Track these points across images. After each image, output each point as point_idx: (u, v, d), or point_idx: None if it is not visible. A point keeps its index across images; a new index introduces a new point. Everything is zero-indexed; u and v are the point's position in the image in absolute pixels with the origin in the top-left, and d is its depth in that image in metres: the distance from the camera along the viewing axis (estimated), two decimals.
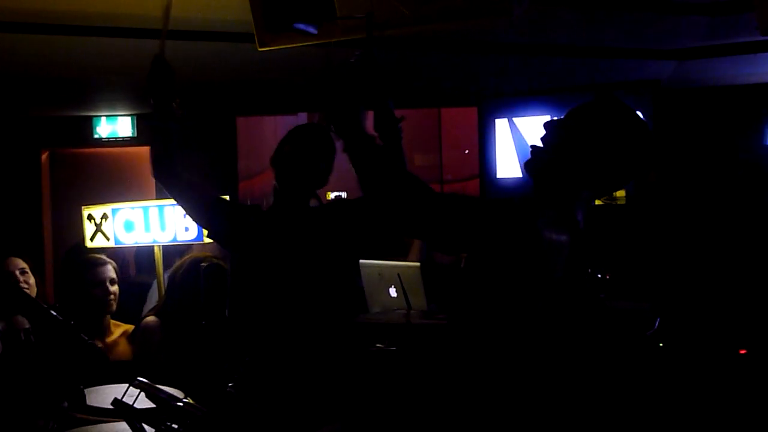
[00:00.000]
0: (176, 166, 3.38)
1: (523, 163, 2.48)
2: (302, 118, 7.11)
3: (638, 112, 2.46)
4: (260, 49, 3.98)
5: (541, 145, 2.43)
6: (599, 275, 4.93)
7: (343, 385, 3.40)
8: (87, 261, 4.50)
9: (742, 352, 3.92)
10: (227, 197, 3.85)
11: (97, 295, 4.38)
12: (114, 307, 4.44)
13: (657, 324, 3.98)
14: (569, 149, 2.37)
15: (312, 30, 3.16)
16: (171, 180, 3.41)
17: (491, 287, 2.34)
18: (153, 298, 5.22)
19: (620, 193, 5.77)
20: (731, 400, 3.80)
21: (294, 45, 3.91)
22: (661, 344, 3.89)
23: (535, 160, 2.43)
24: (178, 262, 4.44)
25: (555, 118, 2.45)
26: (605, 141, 2.36)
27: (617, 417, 3.52)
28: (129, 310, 4.92)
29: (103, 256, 4.55)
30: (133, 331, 4.45)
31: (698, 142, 6.35)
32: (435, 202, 2.38)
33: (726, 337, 3.92)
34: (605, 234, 5.86)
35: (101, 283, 4.40)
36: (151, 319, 4.33)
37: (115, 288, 4.44)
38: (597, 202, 5.72)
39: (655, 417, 3.77)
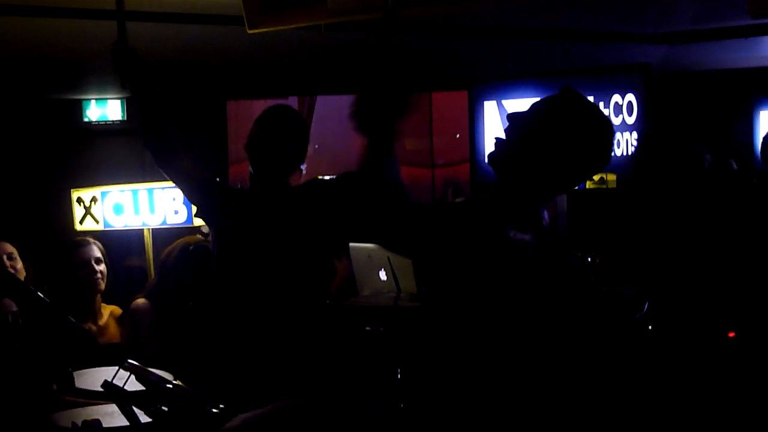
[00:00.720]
0: (177, 153, 3.42)
1: (487, 156, 2.48)
2: (293, 101, 7.09)
3: (600, 107, 2.48)
4: (250, 32, 3.97)
5: (504, 137, 2.44)
6: (589, 259, 4.95)
7: (325, 363, 3.42)
8: (70, 242, 4.48)
9: (731, 335, 3.93)
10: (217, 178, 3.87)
11: (83, 276, 4.35)
12: (102, 286, 4.40)
13: (646, 307, 4.00)
14: (532, 143, 2.38)
15: None
16: (172, 166, 3.44)
17: (460, 287, 2.36)
18: None
19: (611, 177, 5.78)
20: (720, 383, 3.82)
21: (283, 27, 3.91)
22: (650, 327, 3.91)
23: (498, 153, 2.44)
24: (169, 246, 4.42)
25: (518, 111, 2.46)
26: (567, 135, 2.37)
27: (603, 400, 3.54)
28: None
29: (88, 237, 4.52)
30: (122, 313, 4.44)
31: (688, 126, 6.36)
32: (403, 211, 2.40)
33: (715, 320, 3.93)
34: (595, 218, 5.89)
35: (86, 262, 4.36)
36: (141, 301, 4.31)
37: (102, 267, 4.40)
38: (588, 185, 5.78)
39: (643, 400, 3.79)
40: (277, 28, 3.92)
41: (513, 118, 2.46)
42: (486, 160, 2.49)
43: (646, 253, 4.24)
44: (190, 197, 3.65)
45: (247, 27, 3.95)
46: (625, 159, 5.66)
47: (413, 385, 2.53)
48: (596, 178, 5.78)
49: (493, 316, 2.33)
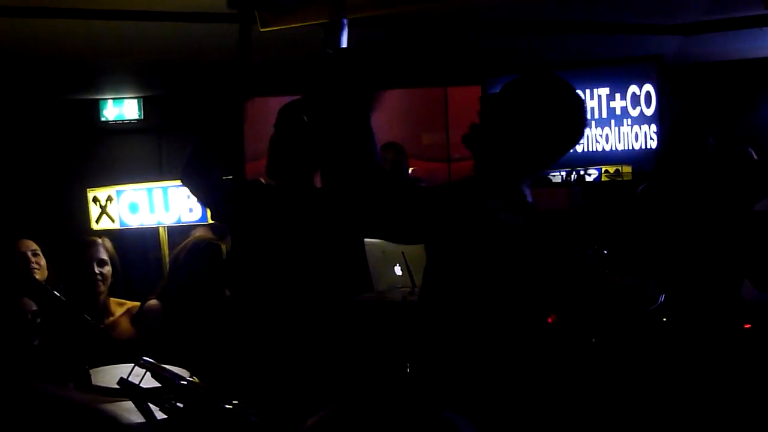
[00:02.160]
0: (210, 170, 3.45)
1: (461, 138, 2.52)
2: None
3: (569, 84, 2.50)
4: (262, 30, 4.00)
5: (478, 121, 2.47)
6: (605, 252, 4.94)
7: (344, 363, 3.43)
8: (79, 242, 4.49)
9: (747, 326, 3.92)
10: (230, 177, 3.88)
11: (82, 276, 4.37)
12: (101, 288, 4.39)
13: (661, 299, 3.99)
14: (504, 122, 2.42)
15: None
16: (200, 183, 3.47)
17: (455, 270, 2.38)
18: None
19: (626, 169, 5.76)
20: (736, 375, 3.81)
21: (295, 25, 3.93)
22: (664, 319, 3.90)
23: (473, 136, 2.47)
24: (180, 245, 4.44)
25: (489, 94, 2.49)
26: (538, 111, 2.41)
27: (612, 390, 3.55)
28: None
29: (97, 237, 4.52)
30: (137, 313, 4.44)
31: (703, 117, 6.34)
32: (395, 197, 2.41)
33: (731, 312, 3.92)
34: (610, 210, 5.87)
35: (87, 263, 4.37)
36: (152, 302, 4.32)
37: (105, 269, 4.40)
38: (603, 178, 5.77)
39: (657, 391, 3.79)
40: (289, 26, 3.94)
41: (485, 101, 2.50)
42: (463, 143, 2.52)
43: (661, 244, 4.23)
44: (207, 205, 3.63)
45: (259, 25, 3.98)
46: (644, 152, 5.65)
47: (420, 377, 2.55)
48: (611, 170, 5.76)
49: (487, 297, 2.36)
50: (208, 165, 3.47)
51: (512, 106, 2.44)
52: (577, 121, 2.49)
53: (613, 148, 5.87)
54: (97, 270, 4.35)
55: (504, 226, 2.33)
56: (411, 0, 3.03)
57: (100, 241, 4.47)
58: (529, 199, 2.44)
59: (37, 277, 4.20)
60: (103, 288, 4.38)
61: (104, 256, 4.42)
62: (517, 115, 2.42)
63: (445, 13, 5.00)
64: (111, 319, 4.33)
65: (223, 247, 4.19)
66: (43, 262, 4.37)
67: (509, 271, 2.35)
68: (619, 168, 5.77)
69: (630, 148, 5.78)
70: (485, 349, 2.37)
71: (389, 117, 7.03)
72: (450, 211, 2.37)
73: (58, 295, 2.97)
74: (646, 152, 5.63)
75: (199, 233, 4.80)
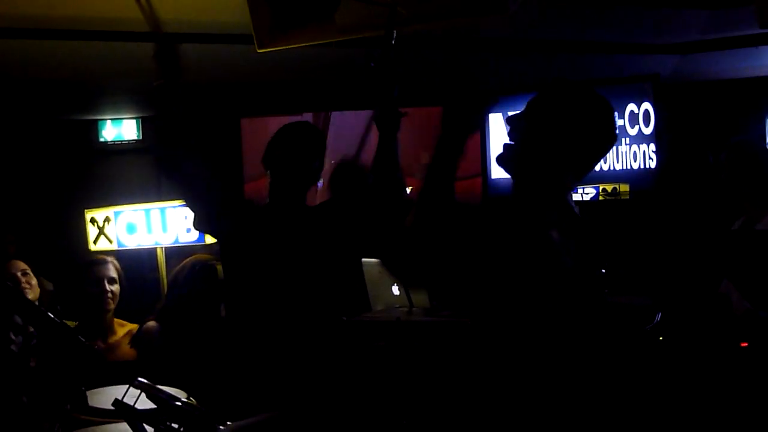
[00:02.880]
0: (181, 162, 3.45)
1: (495, 159, 2.51)
2: (307, 118, 7.11)
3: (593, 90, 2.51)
4: (259, 51, 4.01)
5: (510, 141, 2.46)
6: (603, 270, 4.93)
7: (340, 381, 3.43)
8: (88, 260, 4.51)
9: (744, 345, 3.91)
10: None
11: (93, 294, 4.37)
12: (111, 305, 4.42)
13: (658, 318, 3.99)
14: (538, 137, 2.41)
15: None
16: (177, 177, 3.47)
17: (512, 293, 2.36)
18: None
19: (623, 188, 5.77)
20: (732, 393, 3.80)
21: (292, 46, 3.94)
22: (661, 338, 3.90)
23: (508, 156, 2.46)
24: (178, 266, 4.45)
25: (515, 113, 2.49)
26: (569, 120, 2.40)
27: (618, 411, 3.53)
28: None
29: (105, 256, 4.54)
30: (135, 334, 4.45)
31: (700, 136, 6.34)
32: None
33: (727, 330, 3.92)
34: (608, 229, 5.87)
35: (98, 281, 4.39)
36: (151, 324, 4.32)
37: (114, 287, 4.42)
38: (600, 197, 5.77)
39: (655, 410, 3.78)
40: (286, 47, 3.95)
41: (512, 120, 2.50)
42: (496, 163, 2.51)
43: (659, 264, 4.23)
44: (194, 205, 3.59)
45: (256, 46, 3.99)
46: (643, 171, 5.65)
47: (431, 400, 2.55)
48: (609, 188, 5.77)
49: (548, 324, 2.33)
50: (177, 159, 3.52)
51: (546, 120, 2.42)
52: (609, 120, 2.50)
53: (611, 168, 5.88)
54: (108, 288, 4.38)
55: (557, 245, 2.31)
56: (401, 22, 3.04)
57: (109, 259, 4.50)
58: (576, 210, 2.43)
59: (30, 296, 4.22)
60: (112, 306, 4.42)
61: (114, 274, 4.46)
62: (554, 129, 2.40)
63: (443, 33, 5.01)
64: (114, 338, 4.35)
65: (219, 267, 4.19)
66: (33, 281, 4.40)
67: (564, 287, 2.33)
68: (617, 187, 5.78)
69: (628, 167, 5.79)
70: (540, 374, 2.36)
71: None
72: (503, 243, 2.35)
73: (52, 316, 2.97)
74: (644, 171, 5.64)
75: (197, 254, 4.80)
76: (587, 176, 2.51)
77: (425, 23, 3.25)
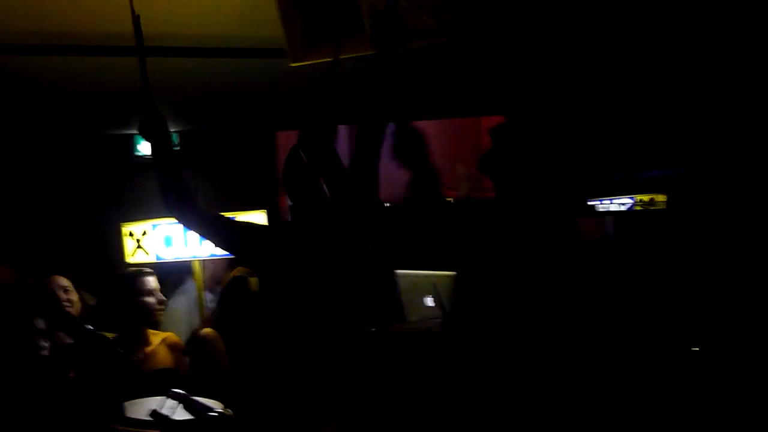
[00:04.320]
0: (188, 198, 3.44)
1: (477, 166, 2.57)
2: (341, 131, 7.12)
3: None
4: (292, 65, 4.04)
5: (494, 152, 2.51)
6: (639, 284, 4.92)
7: (371, 391, 3.44)
8: (131, 271, 4.51)
9: None
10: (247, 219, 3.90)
11: (145, 304, 4.38)
12: (161, 315, 4.47)
13: (691, 330, 3.97)
14: (516, 149, 2.45)
15: None
16: (185, 214, 3.47)
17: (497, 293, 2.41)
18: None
19: (660, 198, 5.75)
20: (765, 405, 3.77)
21: (325, 60, 3.97)
22: (695, 349, 3.88)
23: (487, 164, 2.51)
24: (226, 277, 4.49)
25: (497, 125, 2.53)
26: (546, 134, 2.43)
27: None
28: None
29: (145, 268, 4.57)
30: (190, 341, 4.48)
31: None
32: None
33: (762, 342, 3.89)
34: (644, 240, 5.84)
35: (151, 291, 4.41)
36: (209, 331, 4.37)
37: (162, 297, 4.48)
38: (636, 207, 5.74)
39: (690, 421, 3.77)
40: (319, 60, 3.98)
41: (494, 131, 2.54)
42: (480, 170, 2.57)
43: (694, 275, 4.21)
44: (222, 246, 3.63)
45: (289, 60, 4.02)
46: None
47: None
48: (646, 198, 5.75)
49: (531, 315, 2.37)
50: (182, 196, 3.44)
51: (526, 132, 2.47)
52: (589, 134, 2.53)
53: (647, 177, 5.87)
54: (161, 297, 4.41)
55: (542, 246, 2.35)
56: (432, 35, 3.06)
57: (151, 271, 4.54)
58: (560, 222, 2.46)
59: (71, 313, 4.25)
60: (162, 315, 4.45)
61: (157, 284, 4.49)
62: (530, 141, 2.45)
63: (478, 45, 5.02)
64: (150, 348, 4.36)
65: (253, 280, 4.22)
66: (75, 297, 4.42)
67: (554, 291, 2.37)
68: (654, 197, 5.76)
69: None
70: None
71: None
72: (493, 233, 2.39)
73: (91, 328, 3.02)
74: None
75: (239, 267, 4.85)
76: (623, 185, 2.54)
77: (457, 36, 3.26)
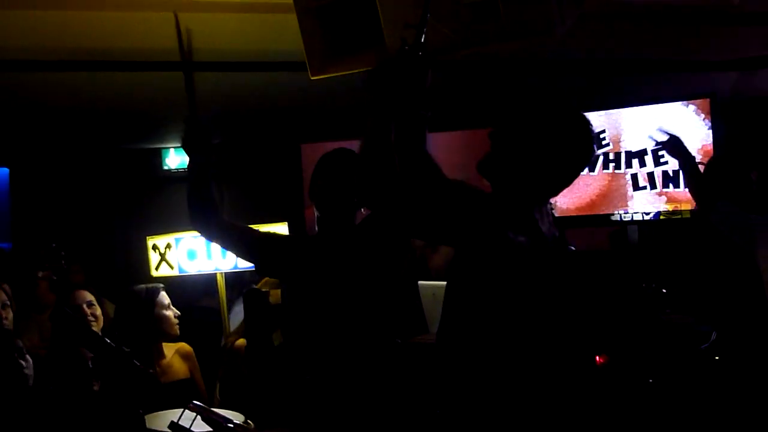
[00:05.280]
0: (214, 211, 3.46)
1: (476, 166, 2.60)
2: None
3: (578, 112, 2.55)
4: (312, 78, 4.06)
5: (491, 151, 2.54)
6: (664, 290, 4.89)
7: (396, 403, 3.43)
8: (152, 287, 4.54)
9: None
10: (270, 229, 3.92)
11: (164, 318, 4.39)
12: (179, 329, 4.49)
13: (713, 337, 3.94)
14: (514, 152, 2.47)
15: None
16: (210, 227, 3.49)
17: (468, 283, 2.44)
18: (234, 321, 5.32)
19: (685, 206, 5.70)
20: None
21: (345, 72, 3.98)
22: (717, 358, 3.85)
23: (485, 164, 2.54)
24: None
25: (498, 128, 2.55)
26: (546, 139, 2.46)
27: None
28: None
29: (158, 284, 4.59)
30: (228, 351, 4.50)
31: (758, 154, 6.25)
32: (443, 188, 2.46)
33: None
34: (668, 248, 5.81)
35: (167, 306, 4.43)
36: (243, 342, 4.40)
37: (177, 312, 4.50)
38: (661, 216, 5.71)
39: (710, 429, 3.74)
40: (339, 73, 3.99)
41: (493, 134, 2.56)
42: (477, 170, 2.60)
43: (714, 281, 4.18)
44: (246, 259, 3.64)
45: (310, 74, 4.04)
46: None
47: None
48: (670, 208, 5.72)
49: (492, 316, 2.40)
50: (208, 209, 3.45)
51: (520, 135, 2.50)
52: (584, 142, 2.55)
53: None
54: (176, 312, 4.43)
55: (510, 245, 2.37)
56: (452, 48, 3.07)
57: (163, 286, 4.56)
58: (543, 225, 2.48)
59: (94, 328, 4.28)
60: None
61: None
62: (525, 144, 2.48)
63: (501, 55, 5.04)
64: (165, 360, 4.39)
65: (275, 292, 4.24)
66: (98, 312, 4.45)
67: (512, 291, 2.39)
68: (678, 206, 5.72)
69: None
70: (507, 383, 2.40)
71: (450, 158, 7.01)
72: (469, 218, 2.41)
73: (109, 341, 3.05)
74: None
75: (266, 279, 4.88)
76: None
77: (473, 48, 3.27)
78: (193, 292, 6.01)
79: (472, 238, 2.41)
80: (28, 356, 3.59)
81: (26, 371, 3.51)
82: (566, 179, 2.58)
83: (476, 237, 2.40)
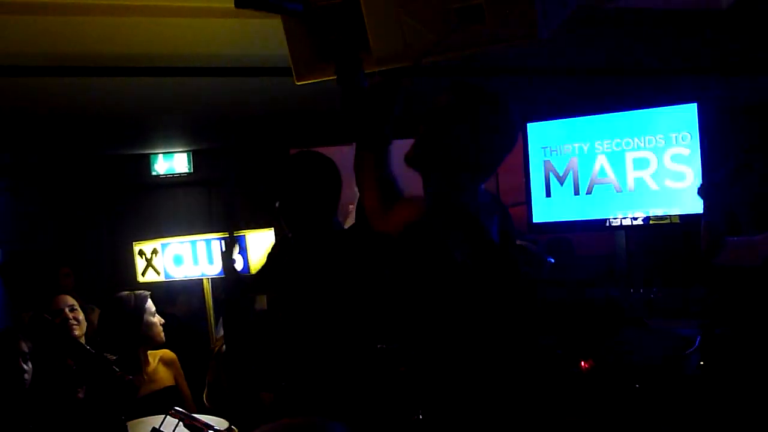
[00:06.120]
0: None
1: (404, 159, 2.63)
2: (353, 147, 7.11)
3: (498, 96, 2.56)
4: (298, 83, 4.05)
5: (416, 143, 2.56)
6: (652, 295, 4.89)
7: (377, 406, 3.43)
8: (139, 294, 4.52)
9: None
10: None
11: (151, 325, 4.38)
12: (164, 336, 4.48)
13: (698, 342, 3.94)
14: (436, 138, 2.49)
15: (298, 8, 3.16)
16: None
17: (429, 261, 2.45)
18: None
19: (674, 210, 5.71)
20: None
21: (331, 78, 3.98)
22: (702, 362, 3.85)
23: (412, 156, 2.56)
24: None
25: (421, 118, 2.58)
26: (467, 122, 2.47)
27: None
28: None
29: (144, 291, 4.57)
30: (216, 356, 4.50)
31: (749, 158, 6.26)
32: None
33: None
34: (656, 252, 5.81)
35: (154, 312, 4.42)
36: None
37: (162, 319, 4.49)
38: (651, 221, 5.71)
39: None
40: (324, 78, 3.99)
41: (420, 123, 2.59)
42: (404, 162, 2.62)
43: (705, 288, 4.19)
44: None
45: (295, 78, 4.03)
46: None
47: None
48: (660, 212, 5.72)
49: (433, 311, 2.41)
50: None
51: (444, 120, 2.52)
52: (508, 125, 2.60)
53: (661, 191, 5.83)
54: (161, 320, 4.41)
55: (446, 239, 2.38)
56: (435, 51, 3.06)
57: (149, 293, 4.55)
58: (471, 208, 2.49)
59: (76, 332, 4.27)
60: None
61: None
62: (449, 129, 2.49)
63: (479, 60, 5.03)
64: (150, 368, 4.38)
65: (260, 298, 4.23)
66: (81, 316, 4.44)
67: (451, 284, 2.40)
68: (667, 212, 5.72)
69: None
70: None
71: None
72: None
73: (88, 348, 3.03)
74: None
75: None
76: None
77: (457, 52, 3.26)
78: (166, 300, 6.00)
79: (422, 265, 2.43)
80: (29, 362, 3.58)
81: (25, 376, 3.51)
82: (493, 162, 2.60)
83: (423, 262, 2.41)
